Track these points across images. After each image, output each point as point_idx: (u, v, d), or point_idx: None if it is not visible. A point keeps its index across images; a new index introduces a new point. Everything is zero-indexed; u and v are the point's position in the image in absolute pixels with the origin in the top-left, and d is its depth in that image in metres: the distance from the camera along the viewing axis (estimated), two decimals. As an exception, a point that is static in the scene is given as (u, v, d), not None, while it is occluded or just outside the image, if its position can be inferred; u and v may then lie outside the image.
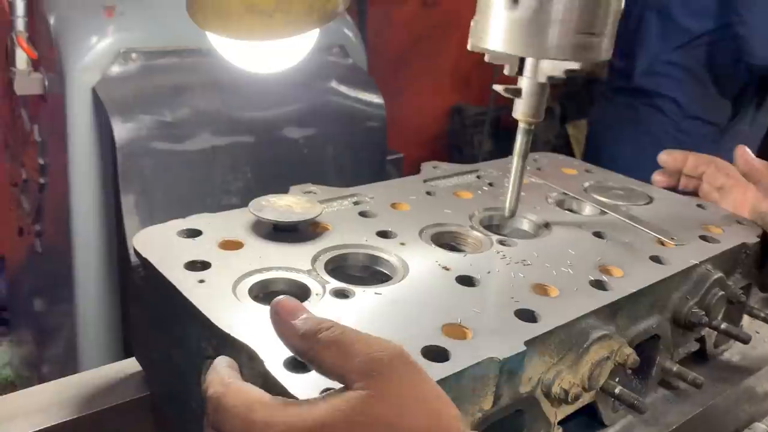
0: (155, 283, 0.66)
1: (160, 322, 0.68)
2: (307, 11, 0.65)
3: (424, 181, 0.98)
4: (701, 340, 0.85)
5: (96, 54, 1.30)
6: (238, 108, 1.45)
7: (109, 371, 0.79)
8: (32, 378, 2.10)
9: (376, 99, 1.71)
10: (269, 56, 0.72)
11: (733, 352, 0.92)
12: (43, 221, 1.63)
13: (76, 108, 1.31)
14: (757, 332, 0.95)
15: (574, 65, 0.71)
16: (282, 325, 0.48)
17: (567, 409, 0.66)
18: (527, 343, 0.57)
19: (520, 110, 0.79)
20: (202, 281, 0.63)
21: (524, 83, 0.77)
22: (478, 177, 1.03)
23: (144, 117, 1.30)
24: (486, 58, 0.76)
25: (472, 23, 0.76)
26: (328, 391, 0.46)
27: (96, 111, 1.32)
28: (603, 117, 2.40)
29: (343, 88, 1.65)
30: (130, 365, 0.79)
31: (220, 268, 0.66)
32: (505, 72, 0.77)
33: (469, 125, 3.54)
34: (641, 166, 2.40)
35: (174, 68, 1.37)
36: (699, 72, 2.11)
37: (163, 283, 0.64)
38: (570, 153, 3.16)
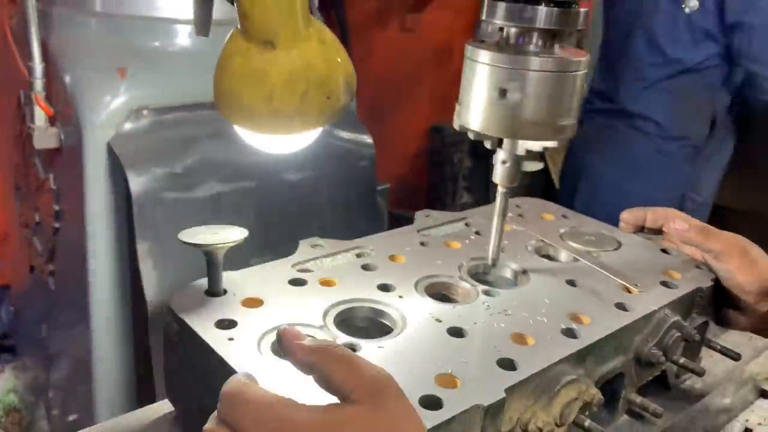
0: (190, 339, 0.77)
1: (194, 371, 0.79)
2: (320, 112, 0.77)
3: (418, 230, 1.10)
4: (663, 373, 0.98)
5: (110, 112, 1.42)
6: (241, 155, 1.57)
7: (143, 414, 0.91)
8: (37, 403, 2.20)
9: (366, 139, 1.84)
10: (285, 143, 0.84)
11: (695, 379, 1.05)
12: (56, 261, 1.74)
13: (93, 161, 1.42)
14: (711, 356, 1.07)
15: (551, 144, 0.84)
16: (291, 343, 0.59)
17: (542, 442, 0.78)
18: (507, 390, 0.69)
19: (499, 177, 0.91)
20: (231, 339, 0.75)
21: (503, 155, 0.89)
22: (467, 225, 1.15)
23: (156, 169, 1.42)
24: (470, 136, 0.88)
25: (457, 106, 0.89)
26: (335, 403, 0.56)
27: (111, 164, 1.43)
28: (582, 136, 2.51)
29: (335, 131, 1.78)
30: (161, 407, 0.91)
31: (245, 326, 0.78)
32: (486, 146, 0.90)
33: (448, 144, 3.69)
34: (622, 186, 2.52)
35: (182, 122, 1.49)
36: (683, 95, 2.18)
37: (198, 340, 0.76)
38: (546, 172, 3.25)
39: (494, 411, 0.68)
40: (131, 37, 1.51)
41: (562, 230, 1.15)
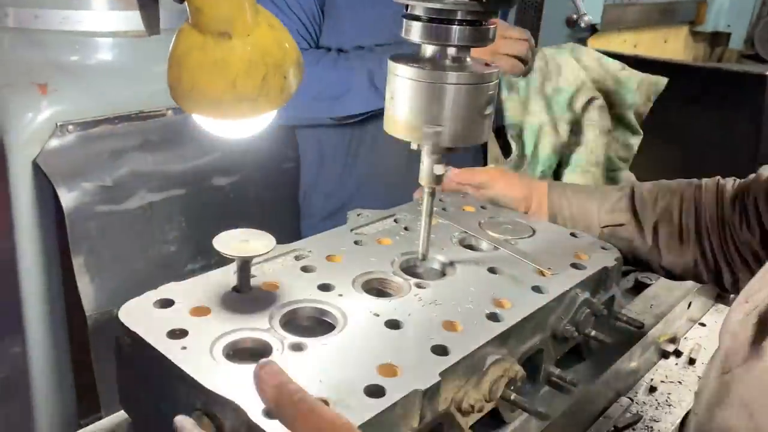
0: (144, 351, 0.81)
1: (149, 381, 0.83)
2: (280, 92, 0.83)
3: (351, 230, 1.17)
4: (578, 346, 1.08)
5: (34, 129, 1.41)
6: (169, 164, 1.59)
7: (103, 426, 0.94)
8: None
9: (290, 143, 1.89)
10: (249, 125, 0.89)
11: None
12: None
13: (19, 180, 1.41)
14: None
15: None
16: (263, 384, 0.64)
17: (475, 417, 0.87)
18: (441, 374, 0.77)
19: (424, 179, 0.99)
20: (184, 348, 0.79)
21: (424, 157, 0.97)
22: (396, 221, 1.22)
23: (86, 184, 1.42)
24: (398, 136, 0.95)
25: (385, 111, 0.95)
26: None
27: (38, 181, 1.42)
28: None
29: (260, 136, 1.81)
30: (119, 418, 0.94)
31: (197, 334, 0.82)
32: (413, 147, 0.97)
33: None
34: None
35: (108, 135, 1.49)
36: None
37: (153, 351, 0.79)
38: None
39: (431, 394, 0.76)
40: (50, 52, 1.49)
41: (481, 221, 1.24)
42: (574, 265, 1.07)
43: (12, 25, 1.50)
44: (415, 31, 0.89)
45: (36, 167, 1.40)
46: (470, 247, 1.15)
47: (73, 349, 1.60)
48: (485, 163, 2.03)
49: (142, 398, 0.86)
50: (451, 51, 0.90)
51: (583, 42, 3.43)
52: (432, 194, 1.01)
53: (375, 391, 0.73)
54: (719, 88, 2.61)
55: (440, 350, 0.82)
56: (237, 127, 0.89)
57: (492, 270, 1.05)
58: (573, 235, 1.20)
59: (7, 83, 1.44)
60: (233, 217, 1.75)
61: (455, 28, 0.87)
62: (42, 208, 1.46)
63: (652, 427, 1.07)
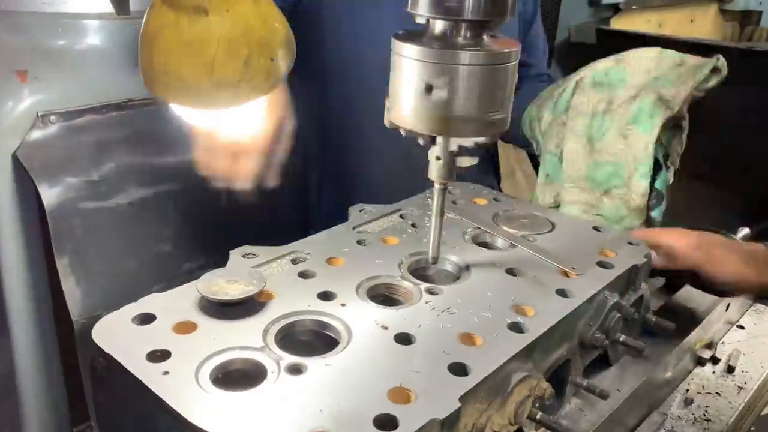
0: (120, 375, 0.70)
1: (127, 408, 0.72)
2: (266, 77, 0.71)
3: (353, 228, 1.05)
4: (605, 351, 0.98)
5: (13, 120, 1.28)
6: (163, 157, 1.47)
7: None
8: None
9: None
10: (231, 117, 0.78)
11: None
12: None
13: (-1, 175, 1.29)
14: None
15: (481, 139, 0.80)
16: None
17: (498, 441, 0.76)
18: (461, 398, 0.66)
19: (435, 174, 0.87)
20: (166, 372, 0.68)
21: (437, 151, 0.85)
22: (402, 217, 1.11)
23: (69, 179, 1.30)
24: (402, 133, 0.84)
25: (386, 103, 0.84)
26: None
27: (18, 176, 1.31)
28: None
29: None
30: None
31: (180, 355, 0.71)
32: (420, 142, 0.85)
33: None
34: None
35: (94, 126, 1.37)
36: None
37: (129, 377, 0.69)
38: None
39: (450, 422, 0.65)
40: (31, 36, 1.37)
41: (496, 214, 1.13)
42: (601, 264, 0.96)
43: (-11, 8, 1.39)
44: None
45: (16, 161, 1.28)
46: (484, 245, 1.04)
47: (63, 353, 1.50)
48: (496, 172, 1.88)
49: (121, 426, 0.76)
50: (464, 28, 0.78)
51: (605, 22, 3.27)
52: (444, 191, 0.90)
53: (387, 422, 0.62)
54: (752, 69, 2.48)
55: (458, 369, 0.71)
56: (220, 117, 0.77)
57: (510, 271, 0.93)
58: (596, 229, 1.09)
59: (-16, 72, 1.32)
60: (229, 214, 1.63)
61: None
62: (23, 206, 1.34)
63: None
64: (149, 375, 0.68)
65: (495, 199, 1.20)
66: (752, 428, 1.23)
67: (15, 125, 1.31)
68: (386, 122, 0.84)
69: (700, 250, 1.09)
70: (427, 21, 0.79)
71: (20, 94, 1.33)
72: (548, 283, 0.90)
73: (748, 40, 4.56)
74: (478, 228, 1.07)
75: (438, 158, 0.84)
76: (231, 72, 0.70)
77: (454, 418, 0.65)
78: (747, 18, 4.73)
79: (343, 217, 1.10)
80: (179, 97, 0.72)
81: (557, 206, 1.32)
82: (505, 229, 1.07)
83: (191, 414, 0.62)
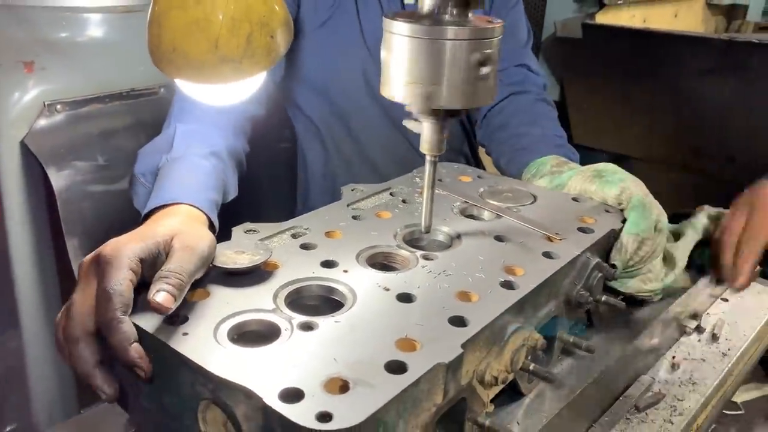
0: (141, 339, 0.73)
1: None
2: (267, 53, 0.75)
3: (348, 205, 1.09)
4: (588, 313, 1.03)
5: (21, 109, 1.30)
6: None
7: (97, 413, 0.86)
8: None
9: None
10: (233, 91, 0.81)
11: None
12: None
13: (7, 162, 1.30)
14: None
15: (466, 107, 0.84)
16: None
17: (496, 389, 0.80)
18: (463, 345, 0.70)
19: (426, 146, 0.91)
20: (186, 334, 0.71)
21: (425, 125, 0.89)
22: (392, 194, 1.15)
23: (77, 163, 1.32)
24: (395, 100, 0.87)
25: (381, 77, 0.87)
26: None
27: (26, 162, 1.32)
28: None
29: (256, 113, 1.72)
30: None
31: (198, 319, 0.74)
32: (411, 111, 0.89)
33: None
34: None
35: (99, 114, 1.39)
36: None
37: (150, 340, 0.72)
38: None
39: (455, 367, 0.69)
40: (36, 29, 1.37)
41: (481, 189, 1.17)
42: (581, 229, 1.01)
43: (-4, 3, 1.39)
44: None
45: (24, 148, 1.30)
46: (472, 217, 1.08)
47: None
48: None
49: (141, 392, 0.78)
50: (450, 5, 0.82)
51: (591, 17, 3.30)
52: (434, 163, 0.93)
53: (397, 368, 0.65)
54: (734, 60, 2.52)
55: (458, 321, 0.75)
56: (222, 92, 0.81)
57: (499, 238, 0.97)
58: (575, 199, 1.14)
59: (-9, 63, 1.33)
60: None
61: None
62: (32, 191, 1.35)
63: (675, 407, 0.99)
64: (169, 335, 0.71)
65: (479, 177, 1.24)
66: (739, 411, 1.29)
67: (22, 114, 1.33)
68: (381, 91, 0.87)
69: None
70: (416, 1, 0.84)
71: (27, 85, 1.35)
72: (535, 248, 0.94)
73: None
74: (466, 202, 1.12)
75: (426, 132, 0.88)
76: (234, 48, 0.73)
77: (458, 363, 0.69)
78: (733, 12, 4.79)
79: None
80: (186, 73, 0.74)
81: None
82: (491, 202, 1.12)
83: (214, 367, 0.65)
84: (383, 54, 0.84)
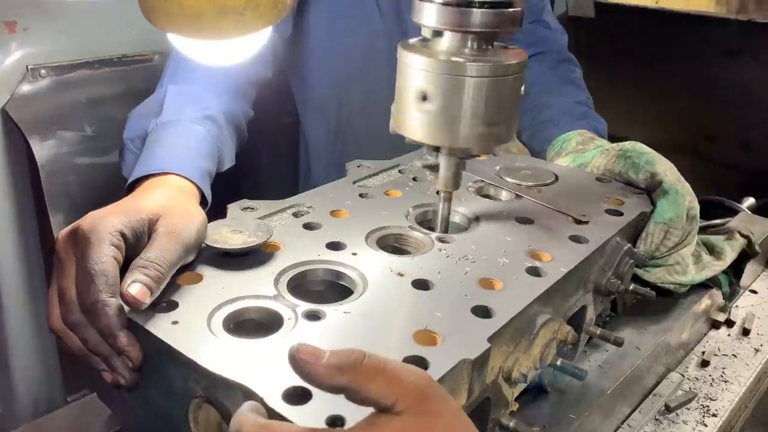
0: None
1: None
2: (272, 5, 0.66)
3: (354, 182, 1.01)
4: (614, 301, 0.95)
5: (1, 73, 1.20)
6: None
7: (79, 407, 0.78)
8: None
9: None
10: (234, 50, 0.73)
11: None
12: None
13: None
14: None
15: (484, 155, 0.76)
16: (312, 368, 0.46)
17: (521, 387, 0.73)
18: (489, 339, 0.62)
19: (441, 183, 0.83)
20: (176, 322, 0.63)
21: (442, 161, 0.81)
22: (401, 172, 1.07)
23: (63, 133, 1.23)
24: (407, 140, 0.79)
25: (392, 108, 0.79)
26: (377, 415, 0.47)
27: (7, 131, 1.23)
28: None
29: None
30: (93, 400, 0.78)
31: (189, 306, 0.66)
32: (425, 150, 0.81)
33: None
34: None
35: (87, 81, 1.29)
36: None
37: (135, 328, 0.64)
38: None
39: (481, 363, 0.61)
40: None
41: (497, 167, 1.09)
42: (609, 212, 0.93)
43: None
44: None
45: (5, 115, 1.20)
46: (489, 197, 1.01)
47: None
48: None
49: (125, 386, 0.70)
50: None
51: None
52: (449, 199, 0.85)
53: (417, 364, 0.57)
54: (752, 42, 2.44)
55: (483, 312, 0.67)
56: (221, 50, 0.72)
57: (521, 220, 0.90)
58: (599, 179, 1.06)
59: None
60: (230, 173, 1.58)
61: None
62: (13, 162, 1.25)
63: (708, 407, 0.92)
64: (157, 324, 0.63)
65: (494, 154, 1.16)
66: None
67: (3, 79, 1.23)
68: (390, 128, 0.80)
69: None
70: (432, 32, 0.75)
71: (8, 47, 1.25)
72: (560, 231, 0.86)
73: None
74: (482, 181, 1.04)
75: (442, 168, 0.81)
76: (236, -2, 0.64)
77: (484, 359, 0.61)
78: None
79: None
80: (180, 26, 0.65)
81: None
82: (509, 180, 1.04)
83: (207, 361, 0.57)
84: (398, 84, 0.77)
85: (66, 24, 1.30)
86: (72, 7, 1.31)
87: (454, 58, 0.73)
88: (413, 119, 0.76)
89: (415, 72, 0.74)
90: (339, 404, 0.52)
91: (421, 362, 0.58)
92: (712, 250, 1.06)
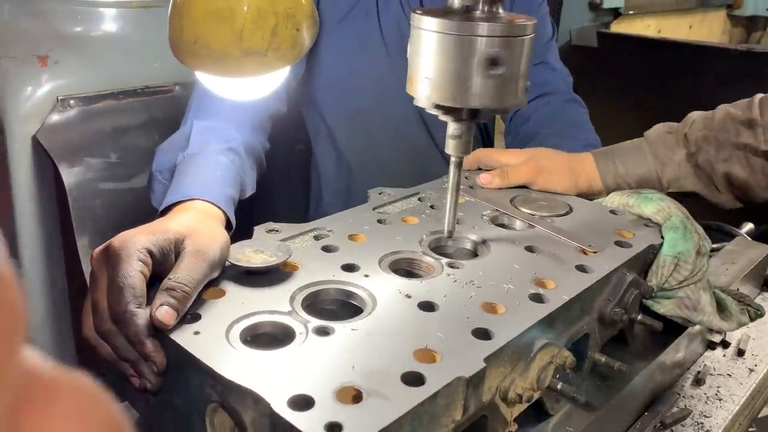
0: (150, 337, 0.72)
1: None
2: (292, 46, 0.74)
3: (374, 209, 1.08)
4: (621, 331, 0.99)
5: (33, 104, 1.32)
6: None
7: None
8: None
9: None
10: (256, 86, 0.81)
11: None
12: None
13: (19, 157, 1.32)
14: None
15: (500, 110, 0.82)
16: None
17: (520, 408, 0.78)
18: (486, 359, 0.68)
19: (452, 148, 0.89)
20: (197, 333, 0.71)
21: (452, 125, 0.87)
22: (420, 200, 1.13)
23: (89, 160, 1.34)
24: (415, 103, 0.86)
25: (409, 73, 0.86)
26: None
27: (38, 158, 1.34)
28: None
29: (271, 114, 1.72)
30: (124, 409, 0.85)
31: (210, 318, 0.74)
32: (440, 117, 0.87)
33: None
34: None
35: (112, 111, 1.41)
36: None
37: (160, 337, 0.71)
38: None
39: (476, 382, 0.67)
40: (51, 24, 1.41)
41: (513, 197, 1.15)
42: (618, 243, 0.98)
43: (12, -5, 1.42)
44: None
45: (35, 143, 1.32)
46: (503, 226, 1.06)
47: (78, 336, 1.53)
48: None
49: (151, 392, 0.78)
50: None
51: (606, 26, 3.31)
52: (459, 165, 0.92)
53: (414, 379, 0.64)
54: (751, 70, 2.50)
55: (482, 334, 0.73)
56: (244, 86, 0.80)
57: (530, 249, 0.96)
58: (613, 212, 1.11)
59: (6, 55, 1.35)
60: (244, 199, 1.66)
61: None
62: (43, 187, 1.37)
63: (702, 423, 0.97)
64: (180, 334, 0.70)
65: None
66: (750, 428, 1.25)
67: (35, 109, 1.35)
68: (408, 90, 0.86)
69: (528, 163, 1.19)
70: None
71: (40, 79, 1.37)
72: (567, 260, 0.92)
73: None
74: (497, 210, 1.10)
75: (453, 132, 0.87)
76: (259, 41, 0.72)
77: (479, 378, 0.67)
78: (754, 23, 4.79)
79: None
80: (208, 66, 0.74)
81: None
82: (523, 210, 1.09)
83: (223, 369, 0.64)
84: (409, 50, 0.83)
85: (93, 57, 1.42)
86: (99, 41, 1.43)
87: (463, 20, 0.78)
88: (422, 82, 0.82)
89: (425, 34, 0.80)
90: (338, 412, 0.58)
91: (418, 378, 0.63)
92: (722, 309, 1.08)
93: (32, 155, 1.35)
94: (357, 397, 0.62)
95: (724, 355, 1.15)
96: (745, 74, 2.54)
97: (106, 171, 1.39)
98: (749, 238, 1.43)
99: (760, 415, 1.36)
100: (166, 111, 1.50)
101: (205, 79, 0.80)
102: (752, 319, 1.08)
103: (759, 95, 1.19)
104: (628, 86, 2.95)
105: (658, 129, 1.24)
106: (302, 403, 0.60)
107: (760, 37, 4.79)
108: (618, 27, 3.40)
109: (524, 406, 0.78)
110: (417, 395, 0.62)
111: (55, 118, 1.33)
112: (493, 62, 0.79)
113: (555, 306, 0.79)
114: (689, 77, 2.73)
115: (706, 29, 4.46)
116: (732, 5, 4.55)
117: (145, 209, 1.45)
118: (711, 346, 1.16)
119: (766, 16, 4.62)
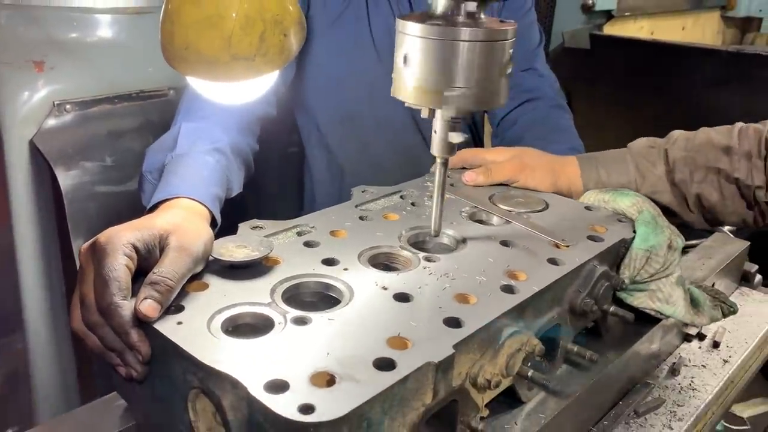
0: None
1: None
2: (280, 51, 0.77)
3: (356, 206, 1.11)
4: (596, 323, 1.02)
5: (30, 108, 1.35)
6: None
7: (94, 407, 0.88)
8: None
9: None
10: (245, 90, 0.84)
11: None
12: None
13: (15, 161, 1.35)
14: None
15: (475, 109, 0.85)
16: None
17: (491, 394, 0.81)
18: (455, 346, 0.71)
19: (436, 148, 0.92)
20: (180, 323, 0.73)
21: (437, 126, 0.90)
22: (402, 197, 1.16)
23: (85, 163, 1.37)
24: (405, 104, 0.89)
25: (393, 75, 0.89)
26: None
27: (35, 162, 1.37)
28: None
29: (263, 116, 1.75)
30: (113, 398, 0.88)
31: (193, 309, 0.76)
32: (423, 115, 0.90)
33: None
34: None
35: (107, 115, 1.44)
36: None
37: (145, 327, 0.74)
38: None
39: (445, 367, 0.70)
40: (47, 30, 1.44)
41: (492, 194, 1.17)
42: (591, 238, 1.01)
43: (8, 1, 1.45)
44: None
45: (32, 147, 1.35)
46: (481, 222, 1.09)
47: (74, 336, 1.55)
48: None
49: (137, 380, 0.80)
50: (467, 6, 0.84)
51: (599, 28, 3.34)
52: (445, 165, 0.95)
53: (385, 365, 0.67)
54: (741, 71, 2.52)
55: (453, 322, 0.76)
56: (234, 90, 0.83)
57: (505, 243, 0.98)
58: (588, 208, 1.14)
59: (3, 61, 1.38)
60: (240, 200, 1.69)
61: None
62: (40, 191, 1.40)
63: (675, 412, 1.00)
64: (164, 324, 0.73)
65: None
66: (744, 426, 1.28)
67: (31, 114, 1.38)
68: (392, 93, 0.89)
69: (513, 161, 1.22)
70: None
71: (36, 84, 1.40)
72: (540, 254, 0.95)
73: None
74: (475, 207, 1.12)
75: (436, 132, 0.90)
76: (247, 46, 0.75)
77: (448, 363, 0.70)
78: (748, 24, 4.82)
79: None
80: (198, 71, 0.77)
81: None
82: (501, 207, 1.12)
83: (203, 356, 0.67)
84: (395, 55, 0.86)
85: (89, 62, 1.45)
86: (94, 46, 1.46)
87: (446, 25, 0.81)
88: (406, 84, 0.84)
89: (409, 39, 0.83)
90: (312, 395, 0.61)
91: (389, 363, 0.66)
92: (696, 304, 1.10)
93: (29, 159, 1.38)
94: (331, 381, 0.65)
95: (700, 347, 1.18)
96: (734, 75, 2.58)
97: (101, 174, 1.42)
98: (730, 234, 1.46)
99: (753, 414, 1.39)
100: (160, 115, 1.52)
101: (196, 83, 0.83)
102: (725, 316, 1.11)
103: (739, 124, 1.20)
104: (620, 87, 2.98)
105: (642, 142, 1.26)
106: (278, 386, 0.63)
107: (753, 38, 4.82)
108: (611, 29, 3.42)
109: (495, 392, 0.81)
110: (388, 379, 0.65)
111: (52, 122, 1.36)
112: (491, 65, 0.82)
113: (525, 296, 0.82)
114: (680, 78, 2.76)
115: (700, 30, 4.49)
116: (725, 6, 4.58)
117: (139, 211, 1.48)
118: (687, 338, 1.19)
119: (760, 17, 4.66)
